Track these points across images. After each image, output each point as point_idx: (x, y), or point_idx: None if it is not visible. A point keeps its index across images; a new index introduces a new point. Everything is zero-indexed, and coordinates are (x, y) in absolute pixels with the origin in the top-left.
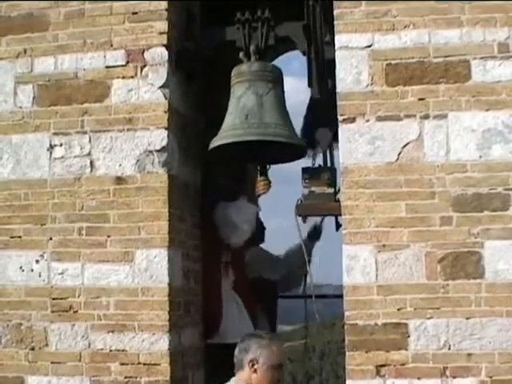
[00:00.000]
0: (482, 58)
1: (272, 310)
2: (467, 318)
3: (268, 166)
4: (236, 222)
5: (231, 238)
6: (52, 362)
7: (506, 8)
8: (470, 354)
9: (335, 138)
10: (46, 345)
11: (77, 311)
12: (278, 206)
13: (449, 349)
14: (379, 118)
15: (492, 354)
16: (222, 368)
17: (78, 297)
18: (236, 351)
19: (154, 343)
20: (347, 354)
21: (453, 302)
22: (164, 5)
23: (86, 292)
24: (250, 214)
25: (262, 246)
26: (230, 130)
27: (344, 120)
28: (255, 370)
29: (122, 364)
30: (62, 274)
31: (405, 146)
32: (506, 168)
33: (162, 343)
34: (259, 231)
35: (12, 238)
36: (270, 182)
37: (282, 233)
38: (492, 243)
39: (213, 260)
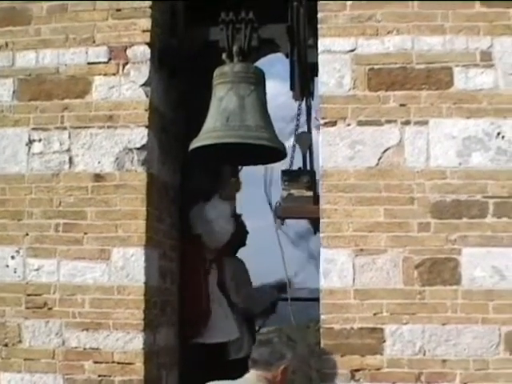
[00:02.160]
0: (464, 65)
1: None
2: (443, 324)
3: (240, 168)
4: (213, 223)
5: (210, 240)
6: (25, 359)
7: (490, 17)
8: (445, 360)
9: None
10: (20, 341)
11: (51, 308)
12: (253, 207)
13: (424, 354)
14: (360, 123)
15: (467, 361)
16: (197, 368)
17: (53, 294)
18: (263, 350)
19: (128, 342)
20: (322, 357)
21: (429, 308)
22: (148, 2)
23: (61, 289)
24: (225, 212)
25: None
26: (211, 131)
27: (325, 123)
28: (282, 374)
29: (96, 362)
30: (37, 270)
31: (385, 151)
32: (484, 176)
33: (137, 342)
34: (242, 234)
35: None
36: (240, 183)
37: (256, 233)
38: (469, 250)
39: (195, 259)
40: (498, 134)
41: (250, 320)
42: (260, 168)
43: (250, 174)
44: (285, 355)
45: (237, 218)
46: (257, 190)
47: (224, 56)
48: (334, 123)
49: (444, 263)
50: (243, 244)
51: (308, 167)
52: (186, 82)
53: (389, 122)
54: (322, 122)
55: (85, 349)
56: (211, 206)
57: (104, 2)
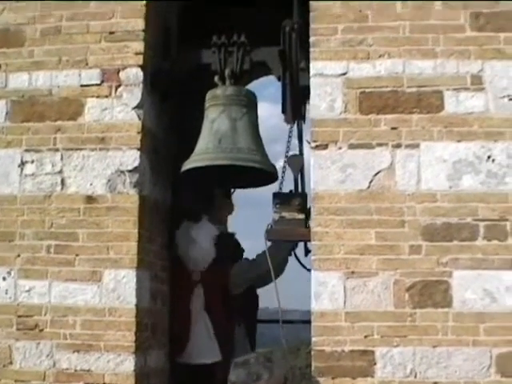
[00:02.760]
0: (455, 89)
1: (252, 333)
2: (434, 347)
3: (232, 190)
4: (194, 245)
5: (189, 261)
6: (16, 381)
7: (480, 41)
8: (436, 383)
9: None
10: (11, 363)
11: (43, 330)
12: (247, 230)
13: (415, 377)
14: (351, 146)
15: (458, 383)
16: None
17: (45, 315)
18: (240, 372)
19: (119, 364)
20: (313, 380)
21: (420, 331)
22: (141, 25)
23: (52, 310)
24: (209, 235)
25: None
26: (203, 153)
27: (316, 146)
28: None
29: None
30: (28, 291)
31: (376, 174)
32: (475, 199)
33: (128, 364)
34: (237, 253)
35: None
36: (232, 206)
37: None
38: (460, 273)
39: (182, 279)
40: (489, 157)
41: (253, 336)
42: (252, 190)
43: (243, 196)
44: (261, 376)
45: (230, 237)
46: (250, 211)
47: (216, 79)
48: (325, 146)
49: (435, 286)
50: None
51: (299, 190)
52: (178, 105)
53: (380, 145)
54: (313, 145)
55: (76, 370)
56: (197, 227)
57: (97, 25)
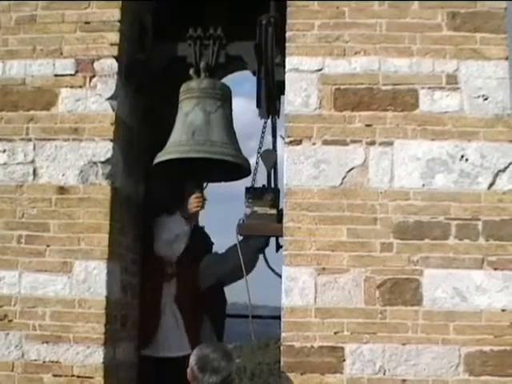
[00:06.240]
0: (430, 88)
1: (219, 328)
2: (403, 344)
3: (205, 184)
4: (166, 237)
5: (162, 251)
6: None
7: (456, 41)
8: (404, 380)
9: None
10: None
11: (11, 320)
12: (220, 224)
13: (384, 374)
14: (325, 142)
15: (426, 381)
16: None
17: (14, 305)
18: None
19: (88, 356)
20: (282, 375)
21: (390, 328)
22: (117, 16)
23: (22, 301)
24: (179, 229)
25: None
26: (176, 145)
27: (290, 142)
28: None
29: (55, 376)
30: None
31: (349, 170)
32: (447, 197)
33: (97, 356)
34: (207, 246)
35: None
36: (204, 200)
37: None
38: (431, 271)
39: (154, 272)
40: (462, 156)
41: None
42: (224, 185)
43: (214, 190)
44: (232, 373)
45: (200, 230)
46: (220, 206)
47: (191, 72)
48: (299, 142)
49: (405, 284)
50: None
51: (272, 185)
52: (152, 97)
53: (354, 141)
54: (287, 140)
55: (44, 362)
56: (170, 221)
57: (73, 15)
